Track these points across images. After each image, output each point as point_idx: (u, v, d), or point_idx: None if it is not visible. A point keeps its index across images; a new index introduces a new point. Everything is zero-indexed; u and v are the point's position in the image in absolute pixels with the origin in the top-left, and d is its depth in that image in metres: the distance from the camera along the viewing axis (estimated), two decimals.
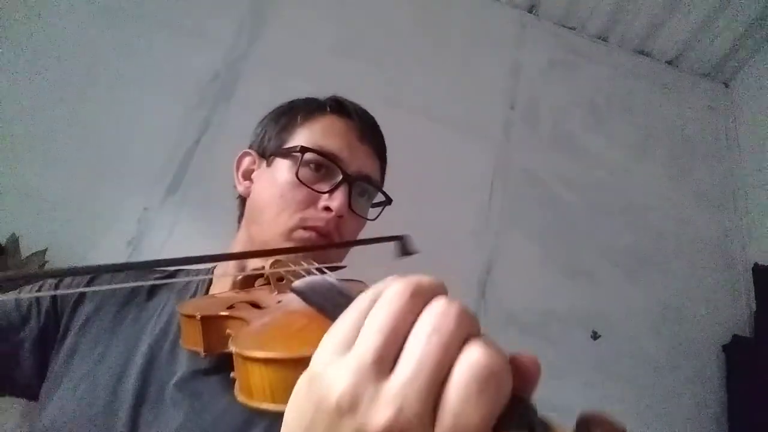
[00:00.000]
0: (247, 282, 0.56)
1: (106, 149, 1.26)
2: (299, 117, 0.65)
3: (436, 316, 0.22)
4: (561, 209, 1.52)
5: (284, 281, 0.48)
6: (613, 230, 1.52)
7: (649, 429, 1.27)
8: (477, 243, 1.41)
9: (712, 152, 1.72)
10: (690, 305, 1.46)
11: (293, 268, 0.48)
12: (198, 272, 0.67)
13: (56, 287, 0.60)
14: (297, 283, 0.32)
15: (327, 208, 0.59)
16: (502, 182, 1.51)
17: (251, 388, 0.31)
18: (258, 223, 0.62)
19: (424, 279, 0.24)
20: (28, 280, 0.65)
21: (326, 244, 0.60)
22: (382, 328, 0.22)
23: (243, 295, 0.50)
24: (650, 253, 1.52)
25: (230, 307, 0.45)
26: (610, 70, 1.77)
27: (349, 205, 0.61)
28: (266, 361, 0.30)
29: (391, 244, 0.58)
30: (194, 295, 0.62)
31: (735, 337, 1.40)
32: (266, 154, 0.66)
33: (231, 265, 0.64)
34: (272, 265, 0.51)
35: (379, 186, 0.69)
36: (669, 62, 1.83)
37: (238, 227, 0.69)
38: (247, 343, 0.33)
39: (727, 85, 1.85)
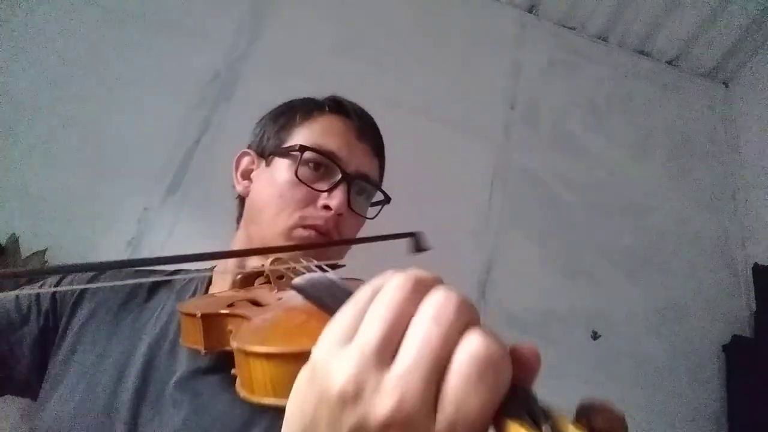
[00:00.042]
0: (247, 281, 0.56)
1: (106, 149, 1.26)
2: (298, 117, 0.66)
3: (435, 306, 0.22)
4: (561, 209, 1.52)
5: (284, 279, 0.48)
6: (613, 230, 1.52)
7: (649, 429, 1.27)
8: (477, 243, 1.41)
9: (712, 152, 1.72)
10: (690, 305, 1.46)
11: (293, 265, 0.48)
12: (198, 272, 0.67)
13: (57, 285, 0.60)
14: (297, 280, 0.32)
15: (326, 207, 0.59)
16: (502, 182, 1.51)
17: (253, 383, 0.31)
18: (257, 223, 0.62)
19: (424, 273, 0.24)
20: (29, 279, 0.65)
21: (335, 241, 0.60)
22: (384, 319, 0.22)
23: (243, 294, 0.50)
24: (650, 253, 1.52)
25: (230, 305, 0.46)
26: (610, 70, 1.77)
27: (348, 204, 0.61)
28: (268, 356, 0.30)
29: (399, 242, 0.58)
30: (194, 294, 0.62)
31: (735, 337, 1.40)
32: (265, 153, 0.66)
33: (230, 264, 0.64)
34: (272, 263, 0.51)
35: (377, 185, 0.69)
36: (669, 62, 1.83)
37: (237, 227, 0.69)
38: (248, 339, 0.33)
39: (727, 85, 1.85)
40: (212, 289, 0.63)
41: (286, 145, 0.63)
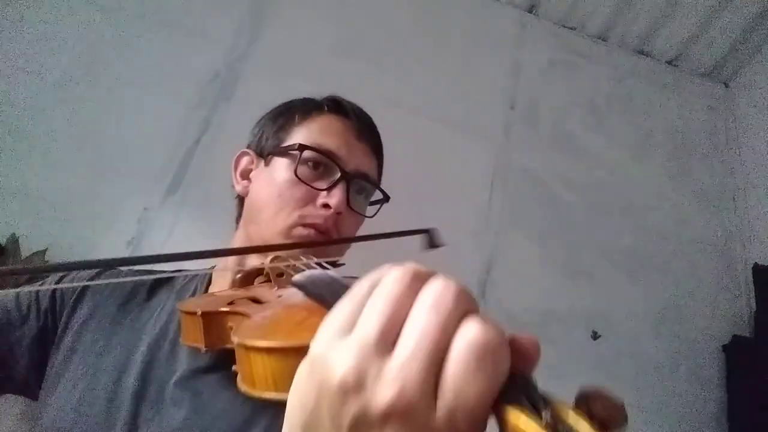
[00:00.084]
0: (247, 280, 0.56)
1: (106, 149, 1.26)
2: (297, 116, 0.66)
3: (434, 295, 0.22)
4: (561, 209, 1.52)
5: (284, 276, 0.49)
6: (613, 230, 1.53)
7: (649, 429, 1.27)
8: (477, 243, 1.41)
9: (712, 152, 1.72)
10: (690, 305, 1.46)
11: (293, 263, 0.48)
12: (197, 273, 0.67)
13: (58, 284, 0.60)
14: (298, 277, 0.32)
15: (326, 205, 0.59)
16: (502, 182, 1.51)
17: (254, 378, 0.31)
18: (257, 222, 0.62)
19: (421, 267, 0.24)
20: (29, 278, 0.65)
21: (347, 239, 0.60)
22: (384, 309, 0.22)
23: (243, 292, 0.50)
24: (650, 253, 1.52)
25: (231, 303, 0.46)
26: (610, 70, 1.77)
27: (348, 203, 0.61)
28: (269, 350, 0.30)
29: (405, 240, 0.58)
30: (194, 294, 0.62)
31: (735, 337, 1.40)
32: (264, 153, 0.66)
33: (230, 263, 0.64)
34: (272, 261, 0.51)
35: (376, 183, 0.69)
36: (669, 62, 1.83)
37: (236, 227, 0.69)
38: (249, 334, 0.33)
39: (727, 85, 1.85)
40: (212, 289, 0.63)
41: (285, 144, 0.64)
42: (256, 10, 1.53)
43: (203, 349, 0.45)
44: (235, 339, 0.33)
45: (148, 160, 1.28)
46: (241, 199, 0.69)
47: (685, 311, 1.45)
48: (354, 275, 0.53)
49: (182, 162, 1.30)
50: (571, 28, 1.81)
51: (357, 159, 0.64)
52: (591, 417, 0.20)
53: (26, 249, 1.12)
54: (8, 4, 1.33)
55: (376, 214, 0.70)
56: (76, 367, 0.54)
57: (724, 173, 1.69)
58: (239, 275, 0.57)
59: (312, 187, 0.60)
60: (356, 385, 0.21)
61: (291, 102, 0.71)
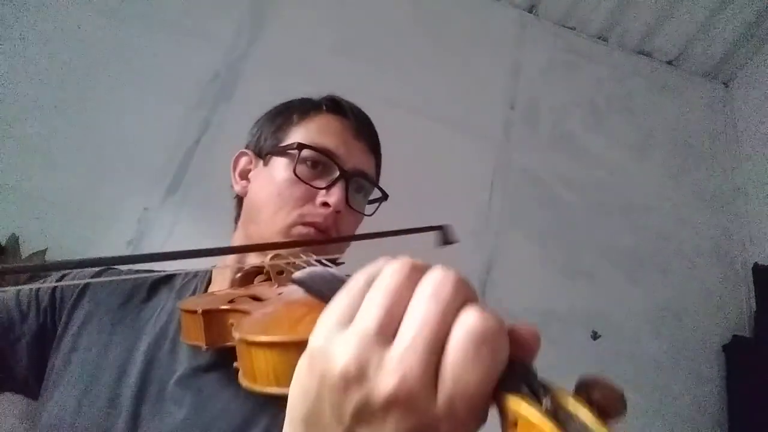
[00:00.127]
0: (247, 279, 0.56)
1: (106, 149, 1.26)
2: (295, 116, 0.66)
3: (433, 284, 0.23)
4: (561, 209, 1.52)
5: (284, 274, 0.49)
6: (613, 230, 1.52)
7: (649, 429, 1.27)
8: (477, 243, 1.41)
9: (712, 152, 1.72)
10: (690, 305, 1.46)
11: (293, 260, 0.48)
12: (197, 272, 0.68)
13: (58, 281, 0.60)
14: (298, 274, 0.32)
15: (325, 204, 0.60)
16: (502, 182, 1.51)
17: (255, 373, 0.31)
18: (256, 222, 0.62)
19: (418, 260, 0.25)
20: (29, 277, 0.65)
21: (358, 236, 0.60)
22: (384, 300, 0.23)
23: (243, 291, 0.50)
24: (650, 254, 1.52)
25: (231, 301, 0.46)
26: (610, 70, 1.77)
27: (347, 201, 0.61)
28: (270, 345, 0.31)
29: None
30: (194, 293, 0.62)
31: (735, 337, 1.40)
32: (263, 153, 0.66)
33: (229, 263, 0.64)
34: (272, 259, 0.51)
35: (375, 182, 0.70)
36: (669, 62, 1.83)
37: (235, 227, 0.69)
38: (250, 329, 0.33)
39: (727, 85, 1.85)
40: (212, 288, 0.63)
41: (284, 144, 0.64)
42: (256, 10, 1.53)
43: (204, 347, 0.45)
44: (236, 335, 0.33)
45: (148, 160, 1.28)
46: (239, 200, 0.69)
47: (685, 311, 1.45)
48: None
49: (182, 162, 1.30)
50: (571, 28, 1.81)
51: (355, 158, 0.64)
52: (591, 404, 0.20)
53: (26, 249, 1.12)
54: (8, 4, 1.33)
55: (375, 212, 0.71)
56: (76, 366, 0.54)
57: (724, 173, 1.69)
58: (239, 274, 0.57)
59: (311, 186, 0.61)
60: (358, 375, 0.21)
61: (289, 102, 0.71)
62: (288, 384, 0.25)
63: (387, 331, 0.22)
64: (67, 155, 1.23)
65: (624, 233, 1.53)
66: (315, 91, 0.72)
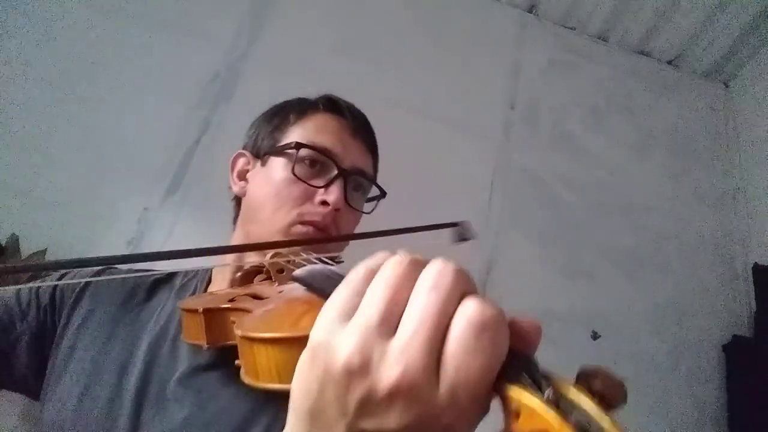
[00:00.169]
0: (246, 279, 0.56)
1: (106, 149, 1.27)
2: (292, 116, 0.66)
3: (434, 275, 0.23)
4: (561, 209, 1.52)
5: (284, 272, 0.49)
6: (613, 230, 1.53)
7: (649, 429, 1.27)
8: (477, 243, 1.41)
9: (712, 152, 1.72)
10: (690, 305, 1.46)
11: (293, 258, 0.49)
12: (197, 272, 0.68)
13: (58, 281, 0.60)
14: (298, 271, 0.32)
15: (324, 203, 0.60)
16: (502, 182, 1.51)
17: (257, 370, 0.32)
18: (256, 222, 0.62)
19: (417, 254, 0.25)
20: (30, 277, 0.65)
21: (369, 233, 0.60)
22: (385, 292, 0.23)
23: (243, 290, 0.50)
24: (650, 253, 1.52)
25: (232, 300, 0.46)
26: (610, 70, 1.77)
27: (345, 199, 0.61)
28: (272, 341, 0.31)
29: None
30: (194, 293, 0.62)
31: (735, 337, 1.40)
32: (260, 153, 0.66)
33: (229, 263, 0.64)
34: (272, 257, 0.51)
35: (373, 179, 0.70)
36: (669, 62, 1.84)
37: (234, 228, 0.70)
38: (252, 326, 0.34)
39: (727, 85, 1.85)
40: (212, 288, 0.63)
41: (281, 144, 0.64)
42: (256, 10, 1.53)
43: (205, 346, 0.45)
44: (238, 332, 0.34)
45: (148, 160, 1.28)
46: (238, 200, 0.69)
47: (685, 311, 1.45)
48: None
49: (182, 162, 1.30)
50: (571, 28, 1.81)
51: (353, 156, 0.64)
52: (592, 394, 0.20)
53: (26, 249, 1.12)
54: (8, 4, 1.33)
55: (373, 210, 0.71)
56: (76, 365, 0.54)
57: (724, 173, 1.69)
58: (239, 274, 0.57)
59: (309, 184, 0.61)
60: (361, 367, 0.21)
61: (285, 102, 0.71)
62: (290, 380, 0.25)
63: (389, 323, 0.22)
64: (67, 155, 1.23)
65: (624, 233, 1.53)
66: (315, 91, 0.72)
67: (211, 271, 0.66)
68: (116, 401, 0.50)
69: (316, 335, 0.24)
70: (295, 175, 0.60)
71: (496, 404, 0.22)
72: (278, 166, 0.63)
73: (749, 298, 1.48)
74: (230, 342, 0.43)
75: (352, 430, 0.22)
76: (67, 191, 1.20)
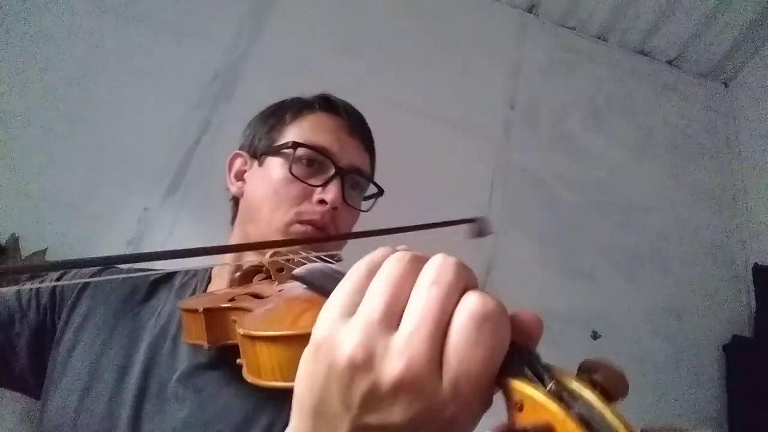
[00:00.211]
0: (245, 278, 0.56)
1: (106, 149, 1.26)
2: (288, 116, 0.66)
3: (435, 270, 0.23)
4: (561, 209, 1.52)
5: (284, 271, 0.49)
6: (613, 230, 1.52)
7: None
8: (477, 243, 1.41)
9: (712, 152, 1.72)
10: (690, 305, 1.46)
11: (293, 257, 0.49)
12: (196, 271, 0.68)
13: (57, 281, 0.60)
14: (298, 270, 0.32)
15: (322, 201, 0.60)
16: (502, 182, 1.51)
17: (260, 368, 0.32)
18: (254, 222, 0.62)
19: (418, 251, 0.25)
20: (30, 276, 0.65)
21: (384, 230, 0.60)
22: (387, 288, 0.23)
23: (243, 289, 0.51)
24: (650, 253, 1.52)
25: (232, 300, 0.46)
26: (610, 70, 1.77)
27: (343, 198, 0.61)
28: (274, 339, 0.31)
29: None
30: (194, 293, 0.63)
31: (735, 337, 1.40)
32: (257, 154, 0.66)
33: (228, 263, 0.64)
34: (271, 257, 0.51)
35: (370, 178, 0.70)
36: (669, 62, 1.83)
37: (232, 228, 0.70)
38: (253, 324, 0.34)
39: (727, 85, 1.85)
40: (211, 288, 0.63)
41: (278, 144, 0.64)
42: (256, 10, 1.53)
43: (206, 346, 0.46)
44: (240, 330, 0.34)
45: (148, 160, 1.28)
46: (236, 201, 0.69)
47: (685, 311, 1.45)
48: None
49: (182, 162, 1.30)
50: (571, 28, 1.81)
51: (350, 155, 0.65)
52: (593, 385, 0.20)
53: (26, 249, 1.12)
54: (8, 4, 1.33)
55: (371, 208, 0.71)
56: (76, 365, 0.54)
57: (724, 173, 1.69)
58: (238, 273, 0.57)
59: (307, 184, 0.61)
60: (365, 362, 0.22)
61: (281, 102, 0.71)
62: (293, 377, 0.26)
63: (391, 318, 0.22)
64: (67, 155, 1.23)
65: (624, 233, 1.53)
66: (315, 91, 0.72)
67: (211, 271, 0.66)
68: (117, 400, 0.50)
69: (319, 331, 0.24)
70: (292, 174, 0.60)
71: (498, 399, 0.23)
72: (275, 166, 0.63)
73: (749, 298, 1.48)
74: (231, 341, 0.44)
75: (356, 426, 0.22)
76: (67, 191, 1.20)
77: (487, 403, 0.23)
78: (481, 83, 1.63)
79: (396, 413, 0.21)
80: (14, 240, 1.12)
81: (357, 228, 0.68)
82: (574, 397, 0.20)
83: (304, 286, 0.33)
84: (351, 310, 0.24)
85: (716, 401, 1.34)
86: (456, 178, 1.47)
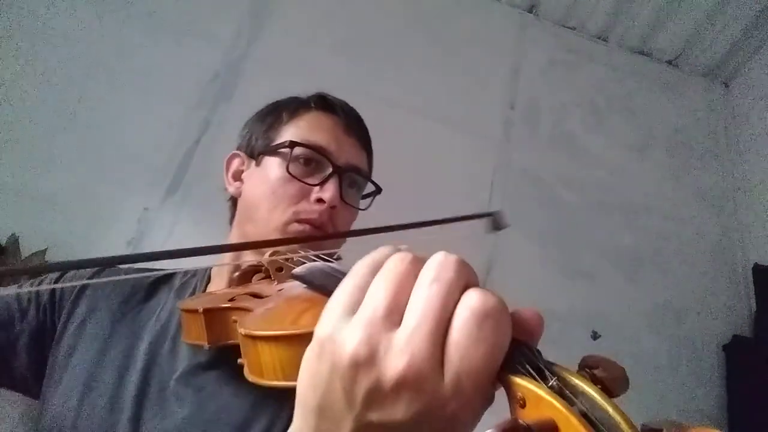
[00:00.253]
0: (244, 278, 0.56)
1: (106, 149, 1.27)
2: (284, 115, 0.66)
3: (436, 267, 0.23)
4: (561, 209, 1.52)
5: (283, 271, 0.49)
6: (613, 230, 1.53)
7: None
8: (477, 243, 1.41)
9: (712, 152, 1.72)
10: (690, 305, 1.46)
11: (292, 256, 0.49)
12: (196, 271, 0.68)
13: (57, 282, 0.60)
14: (298, 269, 0.32)
15: (319, 200, 0.60)
16: (502, 182, 1.51)
17: (262, 367, 0.32)
18: (252, 221, 0.62)
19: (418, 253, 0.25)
20: (31, 276, 0.65)
21: (398, 225, 0.60)
22: (389, 286, 0.23)
23: (242, 289, 0.51)
24: (650, 253, 1.52)
25: (231, 300, 0.46)
26: (610, 70, 1.77)
27: (341, 196, 0.61)
28: (276, 338, 0.31)
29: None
30: (193, 292, 0.62)
31: (735, 337, 1.40)
32: (254, 154, 0.66)
33: (227, 263, 0.64)
34: (270, 256, 0.51)
35: (368, 176, 0.70)
36: (669, 62, 1.84)
37: (230, 229, 0.70)
38: (255, 324, 0.34)
39: (727, 85, 1.85)
40: (210, 288, 0.63)
41: (275, 143, 0.64)
42: (256, 10, 1.53)
43: (206, 346, 0.45)
44: (241, 330, 0.34)
45: (148, 160, 1.28)
46: (234, 201, 0.69)
47: (685, 311, 1.45)
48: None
49: (182, 162, 1.30)
50: (571, 28, 1.81)
51: (347, 153, 0.64)
52: (594, 381, 0.21)
53: (26, 249, 1.12)
54: (9, 4, 1.33)
55: (369, 206, 0.71)
56: (76, 365, 0.54)
57: (724, 173, 1.69)
58: (237, 273, 0.57)
59: (305, 183, 0.61)
60: (368, 358, 0.22)
61: (277, 102, 0.71)
62: (294, 376, 0.26)
63: (394, 315, 0.23)
64: (67, 155, 1.23)
65: (624, 233, 1.53)
66: (315, 91, 0.72)
67: (210, 271, 0.66)
68: (117, 400, 0.50)
69: (322, 330, 0.24)
70: (290, 173, 0.60)
71: (500, 395, 0.23)
72: (273, 166, 0.63)
73: (749, 298, 1.48)
74: (232, 341, 0.44)
75: (360, 423, 0.22)
76: (67, 191, 1.20)
77: (488, 400, 0.23)
78: (481, 83, 1.63)
79: (398, 410, 0.21)
80: (14, 240, 1.12)
81: (356, 227, 0.68)
82: (576, 393, 0.20)
83: (304, 285, 0.33)
84: (354, 308, 0.24)
85: (716, 401, 1.34)
86: (456, 178, 1.47)
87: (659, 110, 1.75)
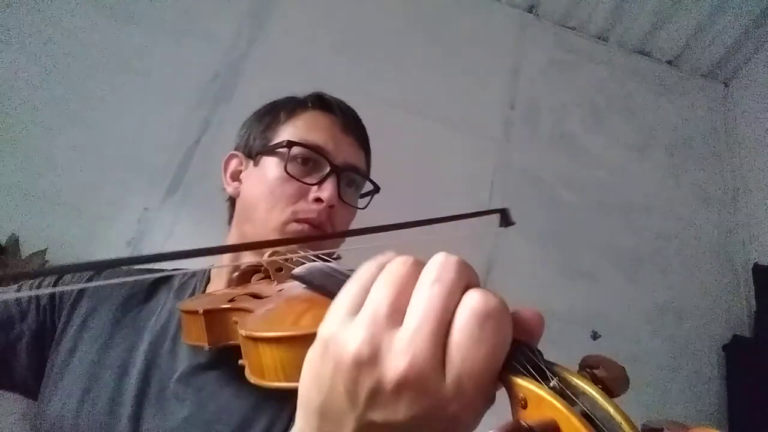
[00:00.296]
0: (244, 278, 0.56)
1: (106, 149, 1.27)
2: (282, 115, 0.66)
3: (437, 268, 0.23)
4: (561, 209, 1.52)
5: (283, 271, 0.49)
6: (613, 230, 1.52)
7: None
8: (477, 243, 1.41)
9: (712, 152, 1.72)
10: (690, 305, 1.46)
11: (291, 256, 0.48)
12: (195, 272, 0.68)
13: (56, 284, 0.60)
14: (297, 270, 0.32)
15: (318, 200, 0.60)
16: (502, 182, 1.51)
17: (263, 369, 0.32)
18: (250, 221, 0.62)
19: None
20: (30, 276, 0.65)
21: (411, 222, 0.60)
22: (391, 287, 0.23)
23: (242, 290, 0.50)
24: (650, 253, 1.52)
25: (231, 300, 0.46)
26: (610, 70, 1.77)
27: (339, 195, 0.61)
28: (277, 340, 0.31)
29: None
30: (193, 293, 0.62)
31: (735, 337, 1.40)
32: (252, 154, 0.66)
33: (227, 263, 0.64)
34: (270, 257, 0.51)
35: (366, 175, 0.70)
36: (669, 62, 1.84)
37: (229, 229, 0.70)
38: (256, 326, 0.34)
39: (727, 85, 1.85)
40: (210, 288, 0.63)
41: (273, 143, 0.64)
42: (256, 10, 1.53)
43: (206, 347, 0.45)
44: (242, 332, 0.34)
45: (148, 160, 1.28)
46: (232, 201, 0.69)
47: (685, 311, 1.45)
48: (352, 268, 0.53)
49: (182, 162, 1.30)
50: (571, 28, 1.81)
51: (345, 152, 0.64)
52: (595, 381, 0.21)
53: (26, 249, 1.12)
54: (9, 5, 1.33)
55: (368, 205, 0.71)
56: (76, 366, 0.54)
57: (724, 173, 1.69)
58: (236, 274, 0.57)
59: (303, 182, 0.61)
60: (370, 358, 0.22)
61: (275, 102, 0.71)
62: (296, 377, 0.26)
63: (396, 315, 0.23)
64: (67, 155, 1.23)
65: (624, 233, 1.53)
66: (315, 91, 0.72)
67: (210, 271, 0.66)
68: (117, 401, 0.50)
69: (325, 330, 0.24)
70: (288, 173, 0.60)
71: (501, 396, 0.23)
72: (271, 165, 0.63)
73: (749, 298, 1.48)
74: (232, 342, 0.43)
75: (362, 423, 0.23)
76: (67, 191, 1.20)
77: (490, 400, 0.23)
78: (481, 83, 1.63)
79: (400, 410, 0.22)
80: (14, 240, 1.12)
81: (353, 225, 0.68)
82: (577, 393, 0.20)
83: (304, 285, 0.33)
84: (357, 309, 0.24)
85: (716, 401, 1.34)
86: (456, 178, 1.47)
87: (659, 110, 1.75)
